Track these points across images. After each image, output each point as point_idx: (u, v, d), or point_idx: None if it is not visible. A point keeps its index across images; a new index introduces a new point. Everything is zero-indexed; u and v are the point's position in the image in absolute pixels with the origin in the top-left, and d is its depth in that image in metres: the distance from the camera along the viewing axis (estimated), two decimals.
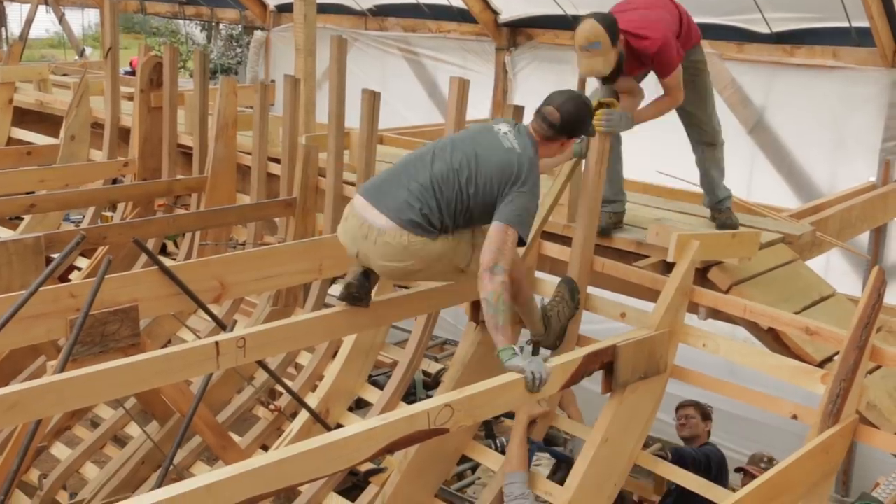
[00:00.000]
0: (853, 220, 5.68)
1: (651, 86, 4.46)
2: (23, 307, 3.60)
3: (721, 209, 4.85)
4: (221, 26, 13.48)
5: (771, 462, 4.96)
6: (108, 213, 7.16)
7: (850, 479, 6.15)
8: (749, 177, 7.20)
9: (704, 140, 4.70)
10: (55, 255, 4.33)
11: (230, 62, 13.05)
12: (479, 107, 8.32)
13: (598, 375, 3.73)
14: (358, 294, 3.80)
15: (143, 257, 6.13)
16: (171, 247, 7.75)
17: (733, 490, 4.10)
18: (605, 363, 3.68)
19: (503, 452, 4.52)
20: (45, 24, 19.29)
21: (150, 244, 6.32)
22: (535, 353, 4.43)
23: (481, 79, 8.95)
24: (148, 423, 5.11)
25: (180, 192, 6.75)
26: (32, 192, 6.54)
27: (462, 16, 9.35)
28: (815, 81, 6.94)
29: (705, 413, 5.20)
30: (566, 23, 8.26)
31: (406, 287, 5.14)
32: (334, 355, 5.18)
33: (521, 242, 3.52)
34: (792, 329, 3.85)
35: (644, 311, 4.15)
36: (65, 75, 10.15)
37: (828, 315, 4.27)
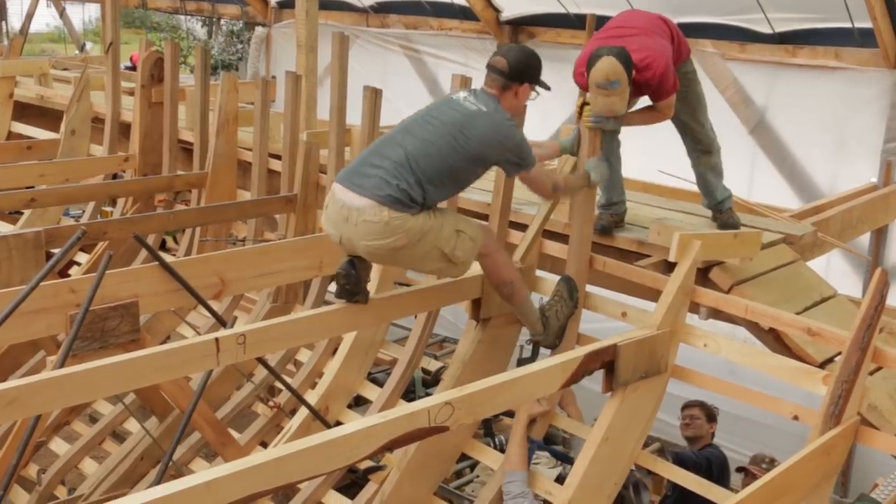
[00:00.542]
0: (854, 221, 5.68)
1: None
2: (23, 302, 3.59)
3: (722, 210, 4.85)
4: (222, 22, 13.45)
5: (773, 463, 4.96)
6: (109, 209, 7.16)
7: (849, 480, 6.14)
8: (750, 177, 7.19)
9: (699, 148, 4.72)
10: (55, 251, 4.33)
11: (231, 58, 13.02)
12: None
13: (599, 374, 3.73)
14: (350, 286, 3.79)
15: (144, 253, 6.13)
16: (170, 243, 7.74)
17: (734, 492, 4.09)
18: (606, 362, 3.67)
19: (502, 451, 4.51)
20: (45, 18, 19.24)
21: (151, 240, 6.30)
22: (535, 352, 4.44)
23: (482, 76, 8.90)
24: (147, 419, 5.10)
25: (181, 188, 6.75)
26: (32, 187, 6.54)
27: (464, 13, 9.33)
28: (817, 82, 6.93)
29: (711, 414, 5.19)
30: (568, 21, 8.25)
31: (406, 284, 5.14)
32: (334, 352, 5.17)
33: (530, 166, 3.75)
34: (793, 330, 3.84)
35: (645, 311, 4.15)
36: (65, 70, 10.15)
37: (829, 316, 4.27)
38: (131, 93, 7.46)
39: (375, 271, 4.77)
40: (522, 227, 4.64)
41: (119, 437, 5.47)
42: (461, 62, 9.31)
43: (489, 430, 5.55)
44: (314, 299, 5.66)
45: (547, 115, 7.46)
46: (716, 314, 4.25)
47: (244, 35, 12.87)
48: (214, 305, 4.85)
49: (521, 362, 4.35)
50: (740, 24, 7.30)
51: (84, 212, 7.38)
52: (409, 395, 5.63)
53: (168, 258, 4.29)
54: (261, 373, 5.32)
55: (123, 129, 7.32)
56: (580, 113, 4.20)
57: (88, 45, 15.97)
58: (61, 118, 7.68)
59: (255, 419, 5.31)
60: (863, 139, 6.66)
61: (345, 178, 3.65)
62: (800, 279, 4.62)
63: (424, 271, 4.13)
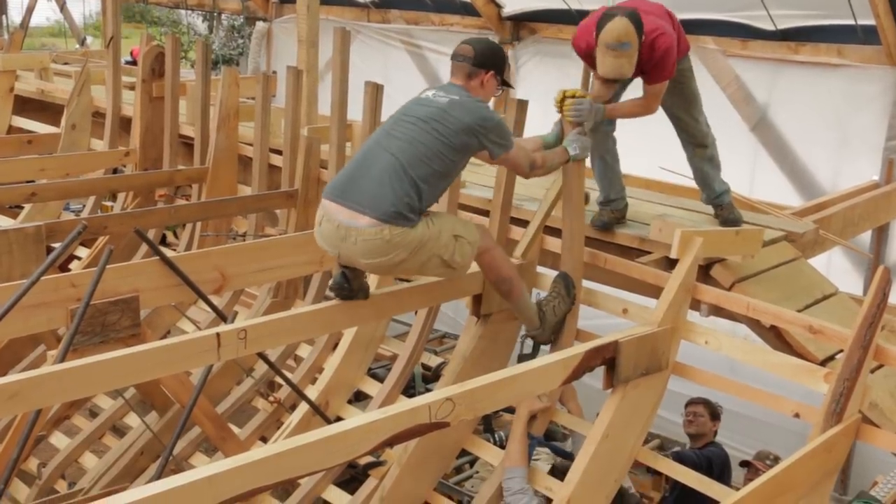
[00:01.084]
0: (856, 219, 5.68)
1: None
2: (23, 296, 3.59)
3: (721, 204, 4.84)
4: (223, 17, 13.44)
5: (776, 460, 4.95)
6: (109, 203, 7.14)
7: (849, 478, 6.15)
8: (752, 174, 7.19)
9: (693, 142, 4.72)
10: (56, 245, 4.32)
11: (232, 53, 13.01)
12: None
13: (600, 371, 3.72)
14: (345, 296, 3.79)
15: (144, 247, 6.13)
16: (171, 237, 7.74)
17: (736, 489, 4.09)
18: (607, 359, 3.67)
19: (502, 447, 4.51)
20: (45, 12, 19.27)
21: (151, 234, 6.30)
22: (535, 348, 4.44)
23: None
24: (147, 414, 5.11)
25: (181, 183, 6.74)
26: (33, 181, 6.52)
27: (465, 9, 9.33)
28: (820, 79, 6.93)
29: (714, 412, 5.18)
30: (570, 17, 8.24)
31: (407, 280, 5.13)
32: (334, 348, 5.17)
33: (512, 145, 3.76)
34: (795, 327, 3.84)
35: (646, 308, 4.14)
36: (66, 64, 10.12)
37: (830, 313, 4.27)
38: (132, 87, 7.44)
39: None
40: (523, 224, 4.64)
41: (119, 431, 5.47)
42: None
43: (489, 426, 5.54)
44: (315, 294, 5.66)
45: (547, 111, 7.44)
46: (717, 311, 4.24)
47: (245, 30, 12.86)
48: (215, 300, 4.84)
49: (522, 358, 4.34)
50: (742, 21, 7.30)
51: (84, 206, 7.37)
52: (409, 390, 5.62)
53: (168, 253, 4.28)
54: (261, 368, 5.32)
55: (124, 124, 7.31)
56: (561, 107, 4.17)
57: (89, 40, 15.95)
58: (62, 112, 7.67)
59: (255, 414, 5.31)
60: (865, 137, 6.66)
61: (338, 196, 3.57)
62: (801, 277, 4.61)
63: (425, 276, 4.12)
